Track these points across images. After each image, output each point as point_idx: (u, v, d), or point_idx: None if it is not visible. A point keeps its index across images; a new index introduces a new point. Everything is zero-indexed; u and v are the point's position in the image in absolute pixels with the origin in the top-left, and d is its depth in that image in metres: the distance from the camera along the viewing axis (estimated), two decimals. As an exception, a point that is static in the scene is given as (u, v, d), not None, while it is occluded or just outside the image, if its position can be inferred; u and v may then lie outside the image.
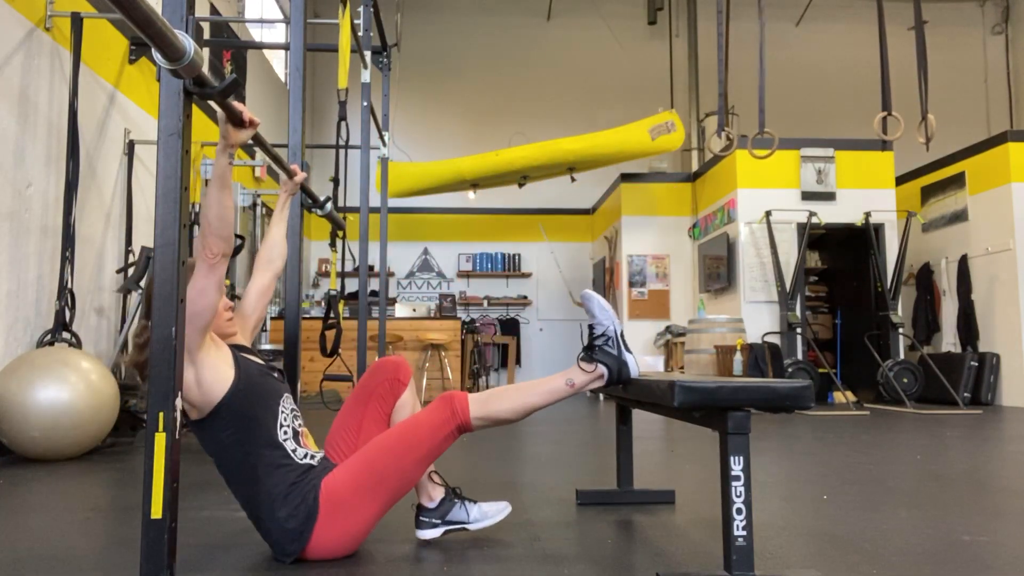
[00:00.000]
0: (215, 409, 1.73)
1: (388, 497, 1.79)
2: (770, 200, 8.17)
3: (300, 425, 1.89)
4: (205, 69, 1.43)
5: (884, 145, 8.14)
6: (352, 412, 1.98)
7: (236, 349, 1.86)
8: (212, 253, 1.67)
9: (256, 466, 1.74)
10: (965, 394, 7.41)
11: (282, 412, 1.83)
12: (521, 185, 9.56)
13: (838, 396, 7.49)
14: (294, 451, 1.80)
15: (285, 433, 1.81)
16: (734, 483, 1.55)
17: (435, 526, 1.98)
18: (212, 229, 1.67)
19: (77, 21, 4.52)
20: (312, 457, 1.83)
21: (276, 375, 1.92)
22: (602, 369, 1.87)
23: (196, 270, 1.67)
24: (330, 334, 3.96)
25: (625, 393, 1.99)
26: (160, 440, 1.45)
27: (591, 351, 1.89)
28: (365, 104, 4.43)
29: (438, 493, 2.00)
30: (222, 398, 1.72)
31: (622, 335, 1.91)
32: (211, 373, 1.72)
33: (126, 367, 1.80)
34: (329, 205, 2.71)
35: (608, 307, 1.91)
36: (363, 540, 1.81)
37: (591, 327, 1.92)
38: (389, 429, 1.88)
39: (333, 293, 4.04)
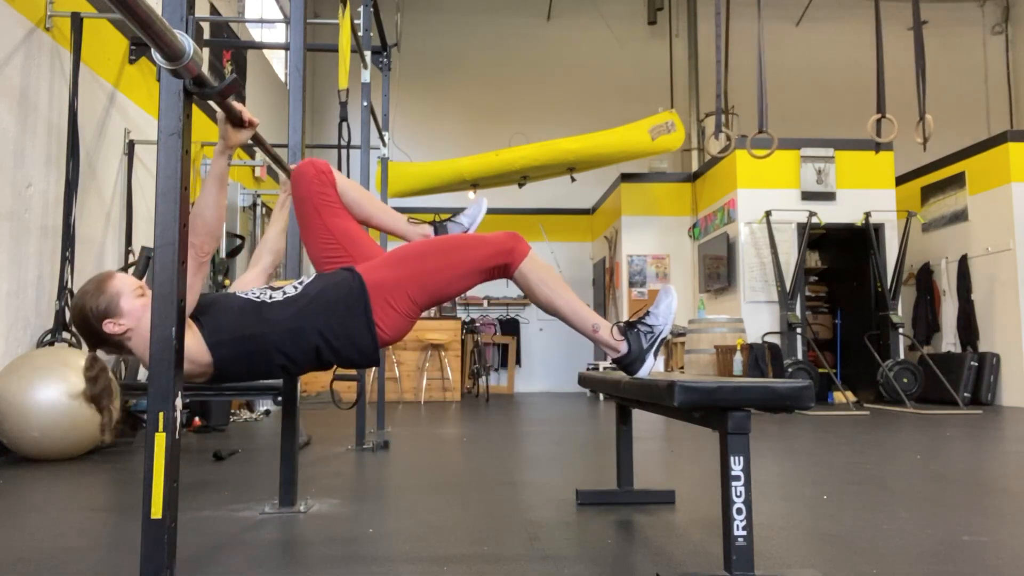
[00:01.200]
0: (214, 363, 1.76)
1: (431, 295, 1.88)
2: (770, 200, 8.16)
3: (270, 287, 1.93)
4: (205, 69, 1.43)
5: (880, 146, 8.13)
6: (314, 228, 2.02)
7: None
8: (204, 252, 1.68)
9: (274, 342, 1.78)
10: (965, 394, 7.41)
11: (259, 296, 1.85)
12: (521, 185, 9.56)
13: (838, 396, 7.49)
14: (272, 298, 1.84)
15: (268, 301, 1.83)
16: (734, 483, 1.55)
17: (643, 360, 1.95)
18: (207, 228, 1.68)
19: (77, 21, 4.52)
20: (296, 286, 1.87)
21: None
22: (624, 347, 1.94)
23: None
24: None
25: (624, 393, 1.99)
26: (160, 440, 1.45)
27: (631, 327, 1.95)
28: (365, 104, 4.43)
29: (619, 339, 1.95)
30: (211, 354, 1.75)
31: (663, 341, 1.96)
32: (193, 343, 1.73)
33: (83, 401, 1.78)
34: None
35: (673, 312, 1.97)
36: (412, 325, 1.91)
37: (647, 312, 1.97)
38: (449, 236, 1.98)
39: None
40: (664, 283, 9.68)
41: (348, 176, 3.92)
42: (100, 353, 1.78)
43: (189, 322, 1.76)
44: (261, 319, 1.78)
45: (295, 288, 1.86)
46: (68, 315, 4.30)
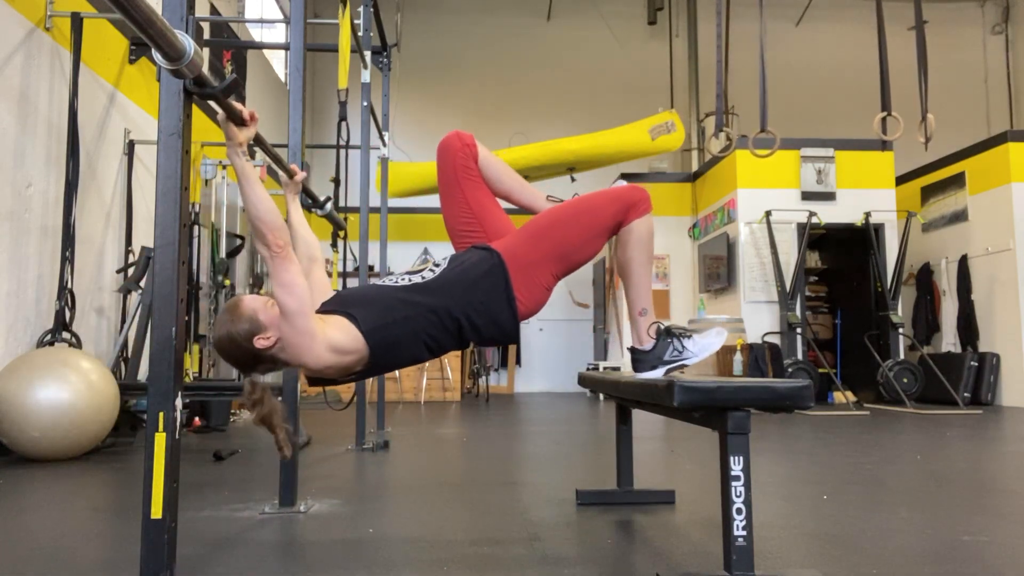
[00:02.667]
0: (371, 351, 1.75)
1: (566, 261, 1.90)
2: (770, 200, 8.16)
3: (414, 273, 1.94)
4: (205, 69, 1.43)
5: (884, 145, 8.14)
6: (455, 200, 2.05)
7: (330, 304, 1.88)
8: (278, 246, 1.67)
9: (422, 325, 1.80)
10: (965, 394, 7.41)
11: (398, 281, 1.87)
12: (521, 185, 9.55)
13: (838, 396, 7.49)
14: (412, 281, 1.86)
15: (408, 285, 1.86)
16: (734, 483, 1.55)
17: (654, 367, 1.98)
18: (266, 225, 1.66)
19: (77, 21, 4.52)
20: (433, 269, 1.89)
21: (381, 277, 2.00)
22: (649, 345, 1.97)
23: (274, 270, 1.67)
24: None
25: (624, 393, 2.00)
26: (160, 440, 1.45)
27: (669, 335, 1.98)
28: (365, 104, 4.43)
29: (651, 335, 1.99)
30: (366, 342, 1.74)
31: (682, 367, 1.99)
32: (342, 336, 1.73)
33: (254, 424, 1.77)
34: (329, 205, 2.71)
35: (710, 353, 1.99)
36: (548, 297, 1.93)
37: (691, 334, 2.00)
38: (575, 200, 1.96)
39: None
40: (668, 284, 9.67)
41: (348, 176, 3.92)
42: (255, 376, 1.76)
43: (326, 317, 1.76)
44: (405, 303, 1.80)
45: (432, 271, 1.88)
46: (69, 316, 4.29)
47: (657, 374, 1.94)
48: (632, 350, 1.99)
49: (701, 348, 1.96)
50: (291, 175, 2.30)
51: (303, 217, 2.26)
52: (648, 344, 1.95)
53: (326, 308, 1.81)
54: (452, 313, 1.81)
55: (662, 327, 1.97)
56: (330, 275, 10.30)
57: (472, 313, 1.83)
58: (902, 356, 7.74)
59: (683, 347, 1.96)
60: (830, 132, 10.91)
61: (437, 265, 1.91)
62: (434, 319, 1.81)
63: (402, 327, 1.78)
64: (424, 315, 1.80)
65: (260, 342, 1.71)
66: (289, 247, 1.70)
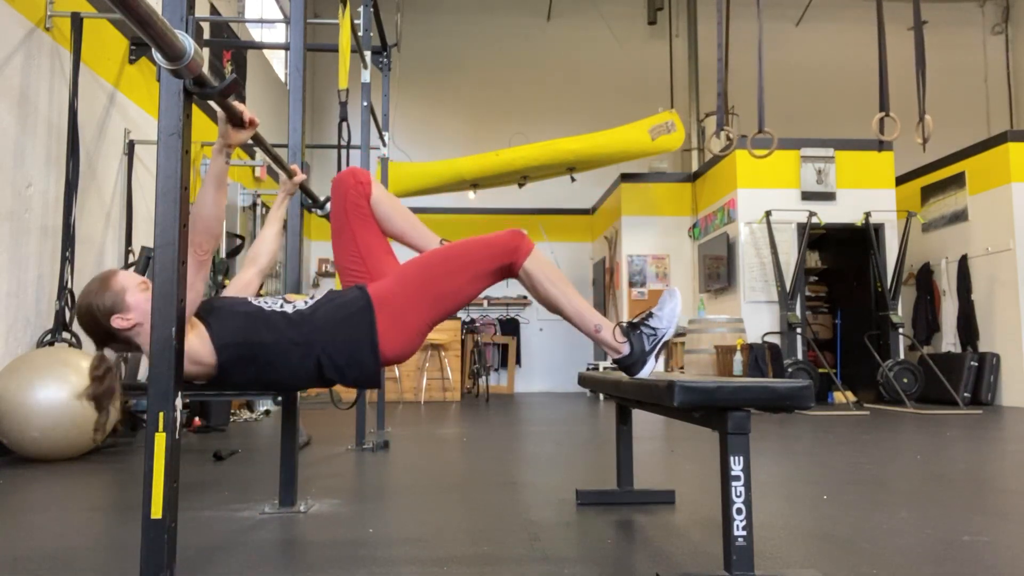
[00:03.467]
0: (219, 367, 1.77)
1: (440, 306, 1.86)
2: (770, 200, 8.16)
3: (284, 298, 1.93)
4: (205, 69, 1.43)
5: (883, 145, 8.14)
6: (343, 238, 2.04)
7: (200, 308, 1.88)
8: (203, 250, 1.68)
9: (279, 354, 1.79)
10: (965, 394, 7.41)
11: (271, 305, 1.86)
12: (521, 185, 9.56)
13: (838, 396, 7.49)
14: (286, 310, 1.84)
15: (279, 312, 1.85)
16: (734, 483, 1.55)
17: (644, 362, 1.94)
18: (207, 227, 1.68)
19: (77, 21, 4.52)
20: (307, 301, 1.89)
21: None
22: (626, 348, 1.93)
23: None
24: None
25: (624, 393, 1.99)
26: (160, 440, 1.45)
27: (634, 328, 1.94)
28: (365, 104, 4.43)
29: (621, 340, 1.94)
30: (216, 357, 1.76)
31: (665, 343, 1.96)
32: (198, 346, 1.75)
33: (84, 399, 1.78)
34: (329, 205, 2.71)
35: (677, 315, 1.96)
36: (421, 342, 1.90)
37: (651, 313, 1.96)
38: (453, 244, 1.94)
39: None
40: (668, 284, 9.68)
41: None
42: (107, 352, 1.78)
43: (195, 322, 1.77)
44: (270, 329, 1.79)
45: (306, 303, 1.88)
46: (69, 316, 4.30)
47: (650, 367, 1.94)
48: (617, 362, 1.97)
49: (668, 317, 1.94)
50: (291, 175, 2.31)
51: (280, 226, 2.31)
52: (625, 347, 1.93)
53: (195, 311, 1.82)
54: (313, 350, 1.80)
55: (624, 326, 1.95)
56: (327, 275, 10.30)
57: (334, 353, 1.81)
58: (902, 356, 7.74)
59: (653, 328, 1.94)
60: (830, 132, 10.93)
61: (312, 298, 1.90)
62: (295, 352, 1.80)
63: (258, 350, 1.78)
64: (285, 345, 1.79)
65: (117, 321, 1.73)
66: (211, 256, 1.71)
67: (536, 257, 1.89)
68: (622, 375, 2.05)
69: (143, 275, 4.69)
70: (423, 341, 1.91)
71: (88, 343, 4.71)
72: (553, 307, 1.93)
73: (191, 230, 1.67)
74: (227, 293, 2.17)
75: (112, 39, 5.16)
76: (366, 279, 1.99)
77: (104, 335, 1.76)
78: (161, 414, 1.46)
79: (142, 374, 4.79)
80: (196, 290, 1.69)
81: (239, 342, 1.77)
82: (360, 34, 4.36)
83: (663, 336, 1.94)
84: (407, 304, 1.84)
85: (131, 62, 5.41)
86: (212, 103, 1.60)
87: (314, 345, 1.80)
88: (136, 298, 1.75)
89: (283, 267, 8.06)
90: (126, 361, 4.86)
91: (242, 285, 2.18)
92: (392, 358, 1.85)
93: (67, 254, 4.37)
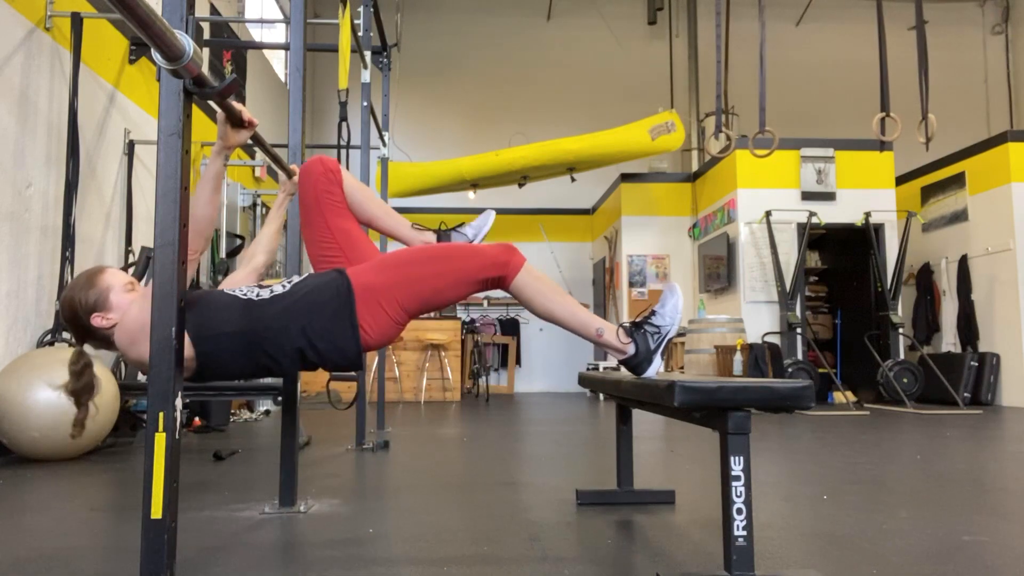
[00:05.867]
0: (197, 360, 1.74)
1: (419, 302, 1.84)
2: (770, 200, 8.16)
3: (259, 285, 1.91)
4: (205, 69, 1.43)
5: (884, 145, 8.14)
6: (315, 226, 2.01)
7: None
8: (193, 250, 1.67)
9: (257, 341, 1.76)
10: (965, 394, 7.41)
11: (246, 293, 1.84)
12: (521, 185, 9.56)
13: (838, 396, 7.49)
14: (260, 295, 1.82)
15: (255, 299, 1.83)
16: (734, 483, 1.55)
17: (650, 361, 1.93)
18: (197, 227, 1.68)
19: (77, 21, 4.52)
20: (284, 285, 1.86)
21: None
22: (631, 349, 1.92)
23: None
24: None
25: (624, 393, 1.99)
26: (160, 440, 1.45)
27: (637, 327, 1.93)
28: (365, 104, 4.43)
29: (625, 341, 1.93)
30: (194, 350, 1.73)
31: (669, 339, 1.95)
32: None
33: (64, 393, 1.77)
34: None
35: (679, 312, 1.95)
36: (399, 332, 1.88)
37: (653, 311, 1.96)
38: (443, 244, 1.92)
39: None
40: (668, 282, 9.68)
41: (348, 176, 3.92)
42: (87, 348, 1.78)
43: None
44: (246, 316, 1.76)
45: (283, 287, 1.85)
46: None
47: (656, 365, 1.93)
48: (623, 362, 1.96)
49: (670, 313, 1.94)
50: (290, 175, 2.31)
51: (279, 226, 2.30)
52: (630, 347, 1.92)
53: None
54: (292, 333, 1.77)
55: (628, 326, 1.94)
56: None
57: (314, 336, 1.78)
58: (902, 356, 7.74)
59: (656, 326, 1.93)
60: (830, 132, 10.93)
61: (289, 281, 1.87)
62: (272, 337, 1.76)
63: (234, 340, 1.74)
64: (262, 331, 1.76)
65: (97, 320, 1.72)
66: (199, 256, 1.71)
67: (527, 271, 1.88)
68: (622, 375, 2.05)
69: (143, 275, 4.70)
70: (400, 332, 1.89)
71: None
72: (550, 318, 1.91)
73: None
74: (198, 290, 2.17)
75: (112, 39, 5.16)
76: (344, 264, 1.96)
77: (83, 331, 1.76)
78: (161, 414, 1.46)
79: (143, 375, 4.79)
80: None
81: (217, 334, 1.74)
82: (360, 34, 4.36)
83: (667, 333, 1.93)
84: (387, 292, 1.82)
85: (131, 62, 5.41)
86: (212, 103, 1.60)
87: (292, 329, 1.77)
88: (120, 298, 1.74)
89: (283, 267, 8.06)
90: (127, 363, 4.86)
91: (236, 283, 2.17)
92: (371, 343, 1.83)
93: (67, 254, 4.37)
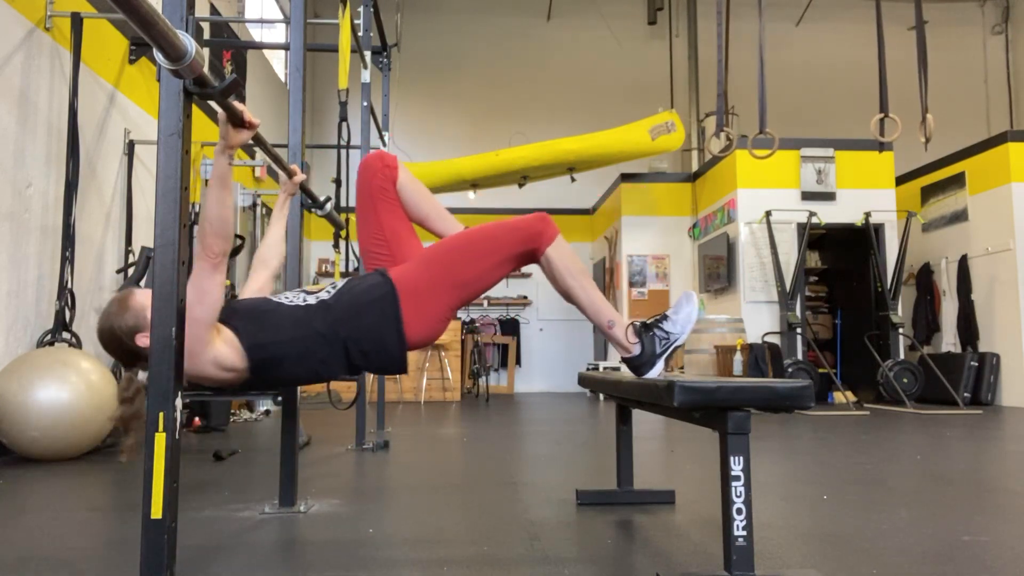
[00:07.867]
0: (251, 369, 1.75)
1: (463, 291, 1.85)
2: (770, 200, 8.16)
3: (311, 293, 1.91)
4: (205, 69, 1.43)
5: (883, 145, 8.14)
6: (368, 221, 2.03)
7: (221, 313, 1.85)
8: (214, 253, 1.66)
9: (312, 348, 1.78)
10: (965, 394, 7.41)
11: (293, 300, 1.84)
12: (521, 185, 9.56)
13: (838, 396, 7.49)
14: (307, 302, 1.83)
15: (303, 305, 1.83)
16: (734, 483, 1.55)
17: (653, 364, 1.94)
18: (214, 229, 1.67)
19: (77, 21, 4.52)
20: (329, 291, 1.86)
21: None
22: (637, 349, 1.92)
23: (197, 271, 1.66)
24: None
25: (624, 393, 1.99)
26: (160, 440, 1.45)
27: (647, 329, 1.93)
28: (365, 104, 4.43)
29: (633, 340, 1.94)
30: (248, 359, 1.74)
31: (677, 347, 1.95)
32: (229, 353, 1.73)
33: (115, 423, 1.75)
34: (329, 205, 2.71)
35: (692, 321, 1.95)
36: (445, 327, 1.88)
37: (665, 316, 1.95)
38: (480, 226, 1.91)
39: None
40: (668, 285, 9.68)
41: (349, 176, 3.92)
42: (136, 372, 1.75)
43: (220, 327, 1.74)
44: (296, 323, 1.77)
45: (328, 293, 1.86)
46: (69, 316, 4.30)
47: (658, 369, 1.94)
48: (625, 360, 1.96)
49: (683, 322, 1.93)
50: (291, 175, 2.31)
51: (283, 226, 2.30)
52: (636, 347, 1.92)
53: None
54: (340, 337, 1.78)
55: (638, 326, 1.94)
56: (331, 275, 10.26)
57: (361, 339, 1.80)
58: (902, 356, 7.74)
59: (667, 332, 1.93)
60: (830, 132, 10.93)
61: (334, 287, 1.88)
62: (324, 343, 1.78)
63: (288, 348, 1.76)
64: (314, 337, 1.77)
65: (142, 340, 1.70)
66: (225, 259, 1.68)
67: (559, 245, 1.89)
68: (622, 375, 2.05)
69: (143, 276, 4.70)
70: (446, 326, 1.89)
71: (88, 342, 4.71)
72: (569, 296, 1.92)
73: (200, 233, 1.66)
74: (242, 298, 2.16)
75: (112, 39, 5.16)
76: (389, 263, 1.97)
77: (130, 355, 1.74)
78: (161, 414, 1.46)
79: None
80: (214, 295, 1.65)
81: (268, 342, 1.75)
82: (360, 34, 4.36)
83: (676, 341, 1.93)
84: (430, 288, 1.83)
85: (131, 62, 5.41)
86: (212, 103, 1.60)
87: (341, 334, 1.79)
88: None
89: (283, 267, 8.05)
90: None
91: (255, 290, 2.15)
92: (417, 342, 1.84)
93: (67, 254, 4.37)
